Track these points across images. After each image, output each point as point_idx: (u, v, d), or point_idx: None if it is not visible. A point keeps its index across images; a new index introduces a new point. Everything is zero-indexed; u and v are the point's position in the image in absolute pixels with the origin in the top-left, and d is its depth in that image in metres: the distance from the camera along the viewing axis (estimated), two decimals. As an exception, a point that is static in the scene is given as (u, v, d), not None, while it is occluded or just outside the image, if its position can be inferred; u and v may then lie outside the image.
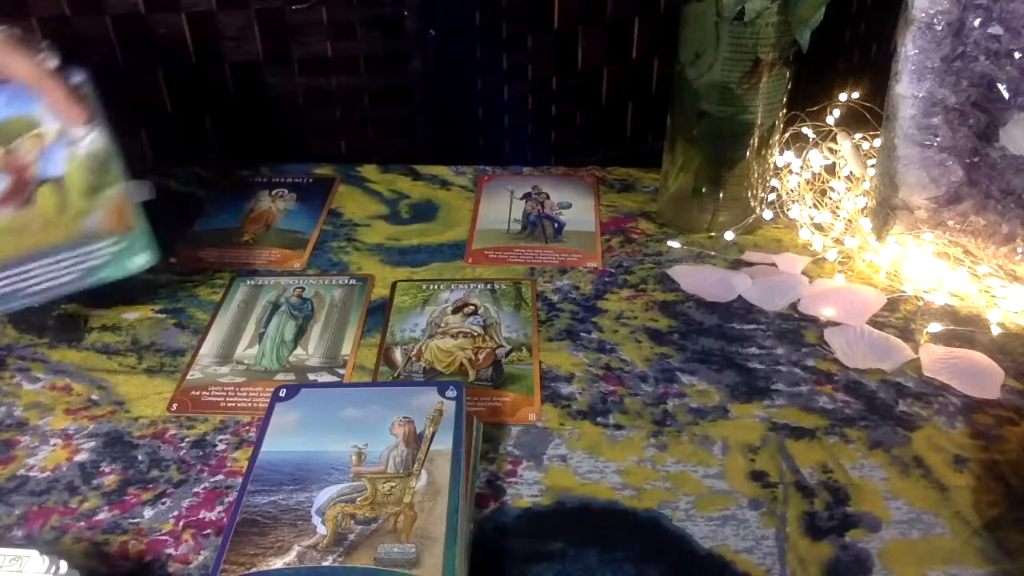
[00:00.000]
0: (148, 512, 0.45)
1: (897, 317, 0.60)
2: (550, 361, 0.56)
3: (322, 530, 0.38)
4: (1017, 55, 0.56)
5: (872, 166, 0.69)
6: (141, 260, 0.55)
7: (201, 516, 0.45)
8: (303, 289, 0.62)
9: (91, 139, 0.52)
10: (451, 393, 0.45)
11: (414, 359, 0.56)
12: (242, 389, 0.53)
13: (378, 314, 0.60)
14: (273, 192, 0.76)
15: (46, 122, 0.51)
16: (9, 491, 0.46)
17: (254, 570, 0.37)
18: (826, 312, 0.60)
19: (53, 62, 0.50)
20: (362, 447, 0.42)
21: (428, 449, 0.42)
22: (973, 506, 0.45)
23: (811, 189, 0.72)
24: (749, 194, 0.69)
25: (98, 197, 0.53)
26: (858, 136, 0.72)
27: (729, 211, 0.69)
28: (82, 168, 0.52)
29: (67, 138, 0.52)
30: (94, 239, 0.54)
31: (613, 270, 0.66)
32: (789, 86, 0.66)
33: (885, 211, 0.64)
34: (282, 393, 0.46)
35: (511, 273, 0.65)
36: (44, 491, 0.47)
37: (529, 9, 0.80)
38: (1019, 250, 0.60)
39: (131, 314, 0.61)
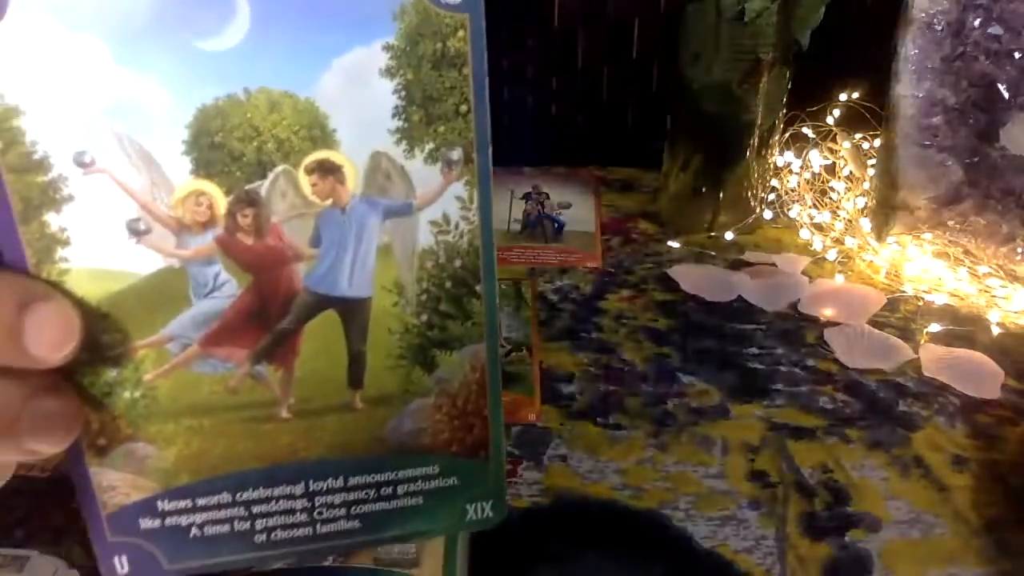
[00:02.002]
0: (148, 512, 0.45)
1: (897, 317, 0.60)
2: (550, 361, 0.56)
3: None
4: (1017, 55, 0.56)
5: (872, 166, 0.69)
6: (478, 514, 0.29)
7: (201, 516, 0.45)
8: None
9: (455, 220, 0.26)
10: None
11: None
12: (242, 389, 0.53)
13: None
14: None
15: (349, 142, 0.24)
16: (9, 491, 0.46)
17: (254, 569, 0.37)
18: (826, 312, 0.60)
19: None
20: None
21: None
22: (973, 506, 0.45)
23: (811, 189, 0.72)
24: (749, 194, 0.69)
25: (439, 363, 0.27)
26: (858, 136, 0.72)
27: (729, 211, 0.69)
28: (412, 287, 0.26)
29: (387, 202, 0.25)
30: (402, 458, 0.28)
31: (613, 270, 0.66)
32: (789, 86, 0.66)
33: (885, 211, 0.64)
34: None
35: (511, 273, 0.65)
36: (44, 491, 0.46)
37: (529, 9, 0.79)
38: (1019, 250, 0.60)
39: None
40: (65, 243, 0.23)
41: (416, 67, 0.24)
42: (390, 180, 0.25)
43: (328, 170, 0.24)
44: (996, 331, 0.58)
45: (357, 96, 0.24)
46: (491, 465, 0.28)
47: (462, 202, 0.26)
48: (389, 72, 0.24)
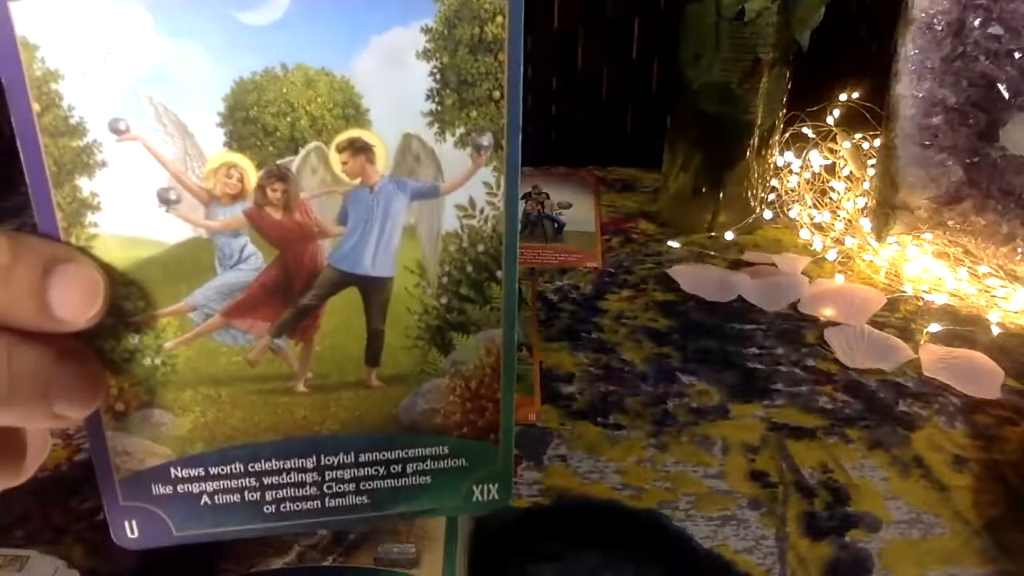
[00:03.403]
0: (148, 512, 0.45)
1: (897, 317, 0.60)
2: (550, 361, 0.56)
3: (322, 529, 0.38)
4: (1017, 55, 0.56)
5: (872, 166, 0.69)
6: (484, 495, 0.29)
7: (201, 516, 0.45)
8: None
9: (481, 205, 0.26)
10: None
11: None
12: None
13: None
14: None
15: (381, 123, 0.24)
16: (9, 491, 0.46)
17: (254, 570, 0.37)
18: (826, 312, 0.60)
19: None
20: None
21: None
22: (973, 506, 0.45)
23: (811, 189, 0.72)
24: (749, 194, 0.69)
25: (456, 345, 0.27)
26: (858, 136, 0.72)
27: (729, 211, 0.69)
28: (434, 269, 0.26)
29: (415, 184, 0.25)
30: (413, 437, 0.28)
31: (613, 270, 0.66)
32: (789, 86, 0.66)
33: (885, 211, 0.64)
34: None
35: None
36: (44, 491, 0.46)
37: (529, 9, 0.80)
38: (1019, 250, 0.60)
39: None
40: (96, 208, 0.23)
41: (452, 51, 0.24)
42: (419, 162, 0.25)
43: (359, 149, 0.25)
44: (996, 331, 0.58)
45: (392, 77, 0.24)
46: (500, 449, 0.28)
47: (489, 188, 0.26)
48: (426, 54, 0.24)
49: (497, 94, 0.24)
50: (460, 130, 0.25)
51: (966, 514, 0.44)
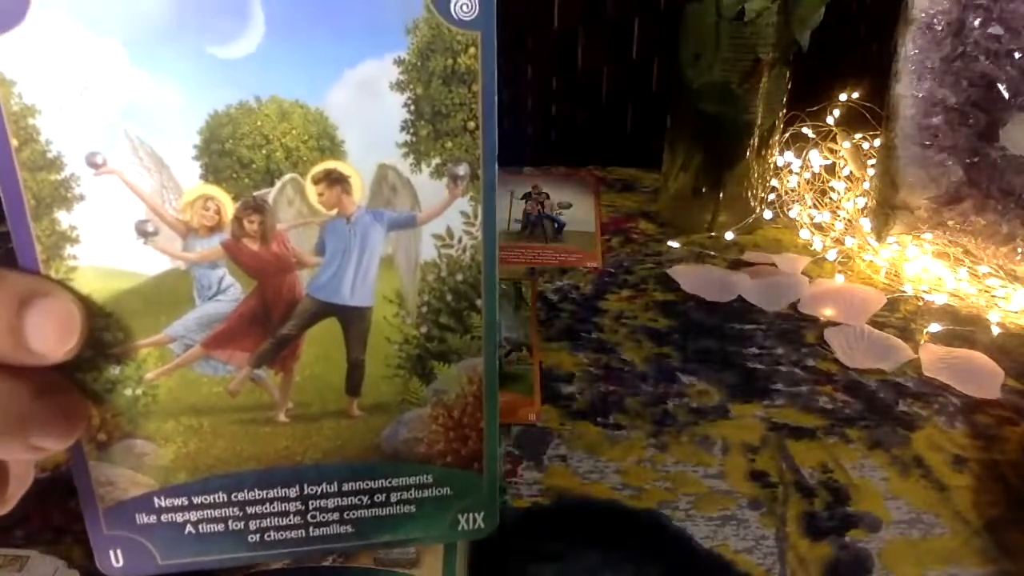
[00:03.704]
0: (148, 512, 0.45)
1: (897, 317, 0.60)
2: (550, 361, 0.56)
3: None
4: (1017, 55, 0.56)
5: (872, 166, 0.69)
6: (469, 524, 0.29)
7: (201, 516, 0.45)
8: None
9: (458, 235, 0.26)
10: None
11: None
12: (242, 389, 0.53)
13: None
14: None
15: (357, 154, 0.24)
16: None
17: (254, 570, 0.37)
18: (826, 312, 0.60)
19: None
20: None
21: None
22: (973, 506, 0.45)
23: (811, 189, 0.72)
24: (749, 194, 0.69)
25: (437, 375, 0.27)
26: (858, 136, 0.72)
27: (729, 211, 0.69)
28: (413, 299, 0.26)
29: (391, 214, 0.25)
30: (396, 466, 0.28)
31: (613, 270, 0.66)
32: (789, 86, 0.66)
33: (885, 211, 0.64)
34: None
35: (511, 273, 0.65)
36: (44, 491, 0.46)
37: (529, 9, 0.80)
38: (1019, 250, 0.60)
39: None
40: (74, 241, 0.24)
41: (426, 82, 0.24)
42: (395, 193, 0.25)
43: (335, 180, 0.25)
44: (996, 331, 0.58)
45: (367, 108, 0.24)
46: (485, 477, 0.28)
47: (466, 217, 0.26)
48: (399, 86, 0.24)
49: (472, 124, 0.24)
50: (436, 160, 0.25)
51: (966, 514, 0.44)
